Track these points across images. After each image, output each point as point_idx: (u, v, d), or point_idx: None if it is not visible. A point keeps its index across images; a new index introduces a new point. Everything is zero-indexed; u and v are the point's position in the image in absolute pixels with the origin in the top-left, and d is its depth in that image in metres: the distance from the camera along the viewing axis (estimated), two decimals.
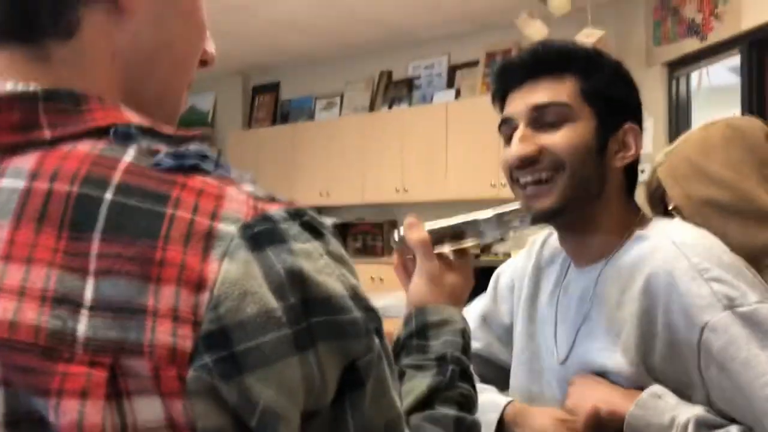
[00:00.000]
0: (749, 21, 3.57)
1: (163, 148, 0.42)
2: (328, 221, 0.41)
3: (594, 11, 4.25)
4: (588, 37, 3.99)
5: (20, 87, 0.43)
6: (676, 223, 1.01)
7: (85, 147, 0.41)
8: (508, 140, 0.98)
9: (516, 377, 1.07)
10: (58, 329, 0.36)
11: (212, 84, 6.31)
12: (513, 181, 0.98)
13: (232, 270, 0.38)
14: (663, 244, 0.90)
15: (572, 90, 0.93)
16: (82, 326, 0.36)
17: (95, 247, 0.37)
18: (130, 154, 0.41)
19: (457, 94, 5.38)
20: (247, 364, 0.37)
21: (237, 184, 0.42)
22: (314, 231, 0.42)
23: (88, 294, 0.36)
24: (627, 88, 0.98)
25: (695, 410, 0.83)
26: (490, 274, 1.21)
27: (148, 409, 0.36)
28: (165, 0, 0.49)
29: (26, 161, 0.40)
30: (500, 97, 1.01)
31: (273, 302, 0.38)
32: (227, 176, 0.42)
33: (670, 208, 1.24)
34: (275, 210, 0.41)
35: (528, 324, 1.06)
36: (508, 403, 0.99)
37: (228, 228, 0.39)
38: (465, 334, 0.74)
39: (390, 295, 2.75)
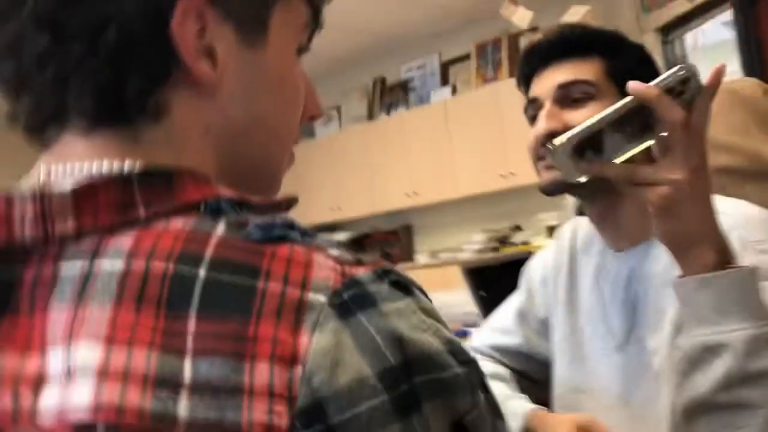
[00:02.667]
0: None
1: (252, 219, 0.43)
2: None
3: None
4: (574, 15, 3.97)
5: (115, 168, 0.44)
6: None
7: (177, 224, 0.42)
8: (533, 120, 0.98)
9: (561, 367, 1.06)
10: (160, 411, 0.36)
11: None
12: (538, 158, 0.97)
13: (323, 341, 0.37)
14: None
15: (598, 69, 0.94)
16: (182, 408, 0.36)
17: (191, 326, 0.38)
18: (220, 228, 0.42)
19: (454, 90, 5.37)
20: None
21: (323, 249, 0.42)
22: (404, 288, 0.41)
23: (187, 374, 0.37)
24: (650, 68, 0.98)
25: None
26: (516, 267, 1.21)
27: None
28: (252, 76, 0.49)
29: (124, 241, 0.41)
30: (525, 81, 1.02)
31: (366, 370, 0.37)
32: (313, 243, 0.42)
33: None
34: (362, 273, 0.41)
35: (568, 315, 1.06)
36: (532, 410, 0.98)
37: (317, 297, 0.39)
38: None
39: None
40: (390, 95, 5.74)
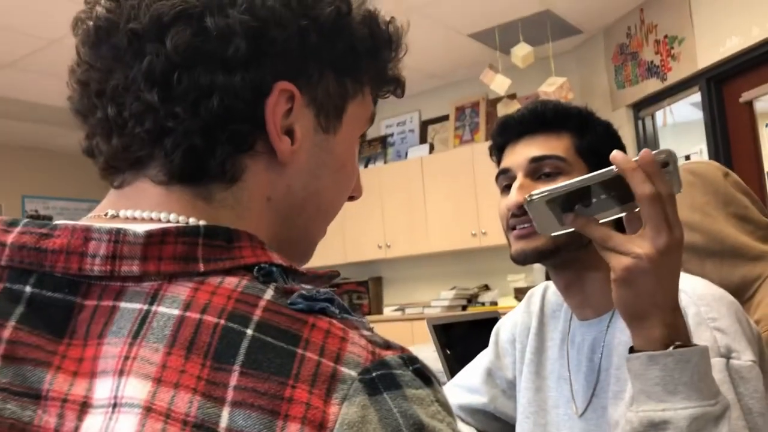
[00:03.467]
0: (704, 60, 3.73)
1: (297, 287, 0.46)
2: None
3: (556, 60, 4.40)
4: (551, 85, 4.11)
5: (182, 221, 0.48)
6: None
7: (231, 282, 0.45)
8: (505, 190, 1.02)
9: (522, 429, 1.08)
10: None
11: None
12: (509, 228, 1.00)
13: (350, 413, 0.40)
14: None
15: (567, 145, 0.98)
16: None
17: (234, 378, 0.40)
18: (269, 293, 0.45)
19: (431, 148, 5.47)
20: None
21: (358, 328, 0.45)
22: (425, 378, 0.44)
23: (223, 423, 0.39)
24: (617, 145, 1.01)
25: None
26: (483, 326, 1.23)
27: None
28: (320, 157, 0.55)
29: (181, 290, 0.44)
30: (498, 150, 1.05)
31: None
32: (350, 320, 0.45)
33: None
34: (391, 356, 0.43)
35: (534, 378, 1.08)
36: None
37: (349, 372, 0.41)
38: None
39: None
40: (369, 149, 5.82)
